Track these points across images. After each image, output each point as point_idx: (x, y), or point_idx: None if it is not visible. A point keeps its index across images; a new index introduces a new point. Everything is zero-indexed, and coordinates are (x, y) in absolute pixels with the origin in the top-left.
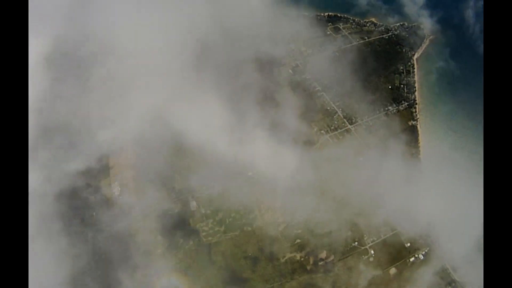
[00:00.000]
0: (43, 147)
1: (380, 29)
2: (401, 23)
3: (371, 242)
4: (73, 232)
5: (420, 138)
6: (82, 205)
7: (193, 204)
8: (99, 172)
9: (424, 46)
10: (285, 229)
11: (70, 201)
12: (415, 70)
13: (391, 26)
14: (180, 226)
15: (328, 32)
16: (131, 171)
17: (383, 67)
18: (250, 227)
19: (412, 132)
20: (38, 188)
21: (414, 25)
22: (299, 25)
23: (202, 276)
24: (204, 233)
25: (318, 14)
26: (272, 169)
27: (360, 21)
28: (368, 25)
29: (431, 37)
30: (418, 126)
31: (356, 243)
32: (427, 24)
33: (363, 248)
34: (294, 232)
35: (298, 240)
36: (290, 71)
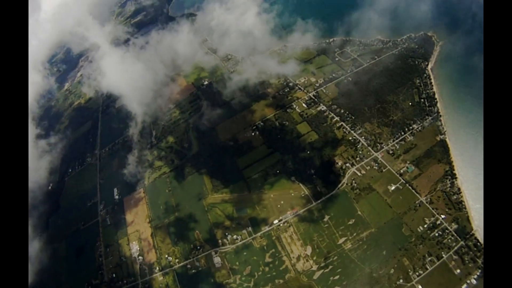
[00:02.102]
0: None
1: (388, 45)
2: (408, 35)
3: (417, 277)
4: None
5: (452, 152)
6: None
7: (217, 260)
8: None
9: (436, 53)
10: (321, 276)
11: None
12: (432, 80)
13: (399, 40)
14: (206, 286)
15: (337, 58)
16: None
17: (399, 84)
18: (282, 280)
19: (443, 147)
20: None
21: (422, 34)
22: (306, 56)
23: None
24: None
25: (323, 41)
26: None
27: (366, 41)
28: (375, 43)
29: (440, 43)
30: (447, 140)
31: (401, 280)
32: (434, 30)
33: (409, 285)
34: (330, 278)
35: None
36: (304, 104)
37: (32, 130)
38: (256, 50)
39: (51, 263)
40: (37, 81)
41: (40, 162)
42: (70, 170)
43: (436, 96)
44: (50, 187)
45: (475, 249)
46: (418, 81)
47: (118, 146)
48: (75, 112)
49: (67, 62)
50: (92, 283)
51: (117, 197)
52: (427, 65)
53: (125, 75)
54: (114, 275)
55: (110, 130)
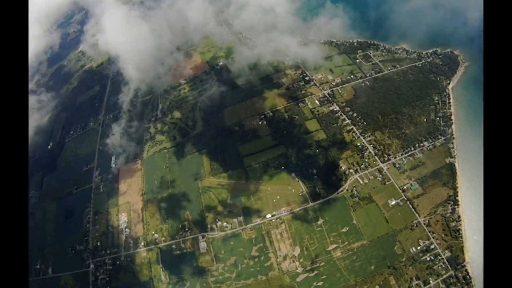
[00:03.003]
0: None
1: (412, 56)
2: (434, 50)
3: None
4: None
5: (459, 177)
6: None
7: (203, 246)
8: None
9: (459, 74)
10: (305, 280)
11: None
12: (451, 100)
13: (424, 53)
14: (188, 268)
15: (358, 60)
16: None
17: (417, 98)
18: (265, 276)
19: (450, 170)
20: None
21: (448, 52)
22: (326, 52)
23: None
24: (213, 278)
25: (347, 40)
26: None
27: (391, 48)
28: (399, 52)
29: (466, 64)
30: (456, 164)
31: None
32: (461, 50)
33: None
34: (313, 283)
35: None
36: (317, 101)
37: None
38: (274, 30)
39: (39, 222)
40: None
41: (42, 120)
42: (72, 132)
43: (453, 117)
44: (49, 146)
45: (464, 281)
46: (436, 98)
47: (122, 114)
48: (85, 75)
49: (84, 23)
50: (76, 248)
51: (113, 165)
52: (449, 83)
53: (126, 35)
54: (98, 244)
55: (117, 98)
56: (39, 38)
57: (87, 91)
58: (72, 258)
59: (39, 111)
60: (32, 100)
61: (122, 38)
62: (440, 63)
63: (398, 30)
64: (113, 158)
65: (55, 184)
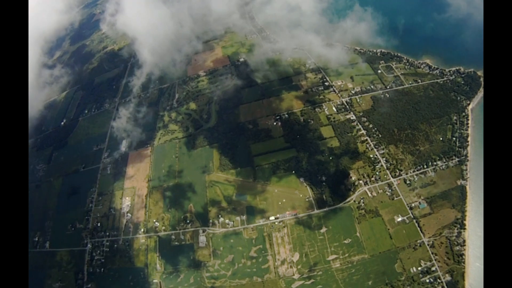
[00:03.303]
0: None
1: (434, 72)
2: (457, 68)
3: None
4: None
5: (468, 201)
6: None
7: (203, 240)
8: None
9: (480, 95)
10: (300, 287)
11: None
12: (470, 122)
13: (447, 70)
14: (184, 260)
15: (379, 71)
16: None
17: (435, 115)
18: (261, 278)
19: (461, 193)
20: None
21: (471, 72)
22: (350, 58)
23: None
24: (208, 274)
25: (371, 50)
26: None
27: (414, 61)
28: (422, 66)
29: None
30: (468, 187)
31: None
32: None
33: None
34: None
35: None
36: (334, 108)
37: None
38: (298, 28)
39: (44, 196)
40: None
41: (59, 96)
42: (86, 112)
43: (469, 138)
44: (63, 123)
45: None
46: (455, 117)
47: (138, 99)
48: (106, 56)
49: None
50: (76, 225)
51: (124, 149)
52: (469, 104)
53: (145, 18)
54: (99, 224)
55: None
56: (61, 13)
57: (106, 73)
58: (71, 235)
59: (55, 86)
60: (47, 74)
61: (141, 20)
62: (462, 82)
63: (424, 43)
64: (124, 141)
65: (64, 160)
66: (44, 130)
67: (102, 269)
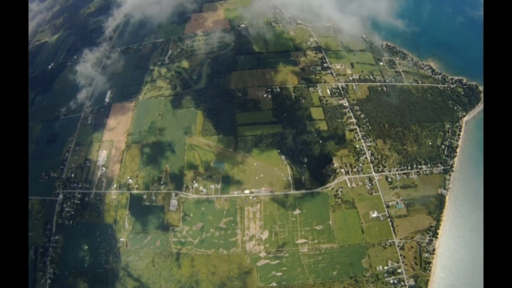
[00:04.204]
0: None
1: (437, 77)
2: (460, 78)
3: None
4: None
5: (445, 211)
6: None
7: (174, 203)
8: None
9: (477, 110)
10: (265, 266)
11: None
12: (462, 133)
13: (449, 77)
14: (154, 221)
15: (382, 63)
16: None
17: (429, 119)
18: (227, 251)
19: (439, 201)
20: None
21: (473, 85)
22: (352, 45)
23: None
24: (175, 239)
25: (376, 40)
26: None
27: (418, 61)
28: (425, 68)
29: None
30: (447, 197)
31: None
32: None
33: None
34: (272, 272)
35: (274, 284)
36: (329, 91)
37: None
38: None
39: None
40: None
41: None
42: (75, 57)
43: (458, 150)
44: (50, 67)
45: None
46: (448, 126)
47: (130, 51)
48: (106, 2)
49: None
50: (49, 174)
51: (107, 100)
52: (464, 115)
53: None
54: (73, 175)
55: (129, 34)
56: None
57: (101, 17)
58: (44, 184)
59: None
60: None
61: None
62: (462, 93)
63: (433, 44)
64: (108, 92)
65: (46, 105)
66: (30, 72)
67: (71, 221)
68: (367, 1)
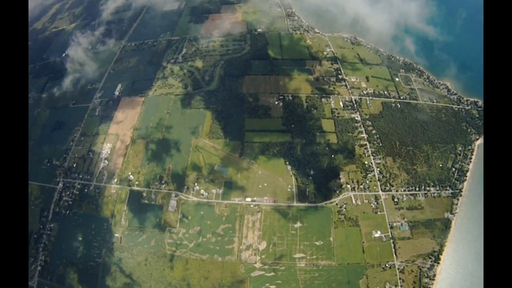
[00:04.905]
0: None
1: (452, 97)
2: (476, 100)
3: None
4: None
5: (450, 236)
6: None
7: (173, 204)
8: None
9: None
10: (259, 277)
11: None
12: (473, 157)
13: (465, 99)
14: (151, 220)
15: (397, 79)
16: None
17: (441, 140)
18: (222, 258)
19: (445, 226)
20: None
21: None
22: (369, 58)
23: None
24: (170, 240)
25: (393, 55)
26: None
27: (434, 80)
28: (441, 87)
29: None
30: (453, 222)
31: None
32: None
33: None
34: (266, 284)
35: None
36: (341, 103)
37: None
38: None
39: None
40: None
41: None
42: (90, 48)
43: (468, 173)
44: (64, 54)
45: None
46: (460, 148)
47: (144, 46)
48: None
49: None
50: (52, 161)
51: (117, 93)
52: (477, 139)
53: None
54: (75, 165)
55: (146, 29)
56: None
57: (118, 12)
58: (45, 170)
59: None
60: None
61: None
62: (477, 115)
63: (452, 63)
64: (119, 85)
65: (56, 93)
66: (44, 58)
67: (68, 211)
68: (396, 2)
